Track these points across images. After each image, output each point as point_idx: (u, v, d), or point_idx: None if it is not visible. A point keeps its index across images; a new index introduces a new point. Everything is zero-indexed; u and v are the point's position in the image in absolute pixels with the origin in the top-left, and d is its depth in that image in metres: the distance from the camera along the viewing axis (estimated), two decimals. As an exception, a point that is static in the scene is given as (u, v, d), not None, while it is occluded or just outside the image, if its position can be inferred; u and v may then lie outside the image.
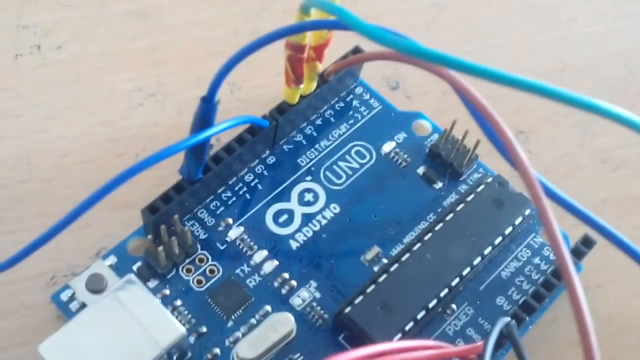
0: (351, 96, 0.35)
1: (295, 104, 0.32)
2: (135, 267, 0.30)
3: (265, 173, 0.32)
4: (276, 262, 0.30)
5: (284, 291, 0.30)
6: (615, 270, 0.32)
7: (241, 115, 0.29)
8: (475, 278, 0.31)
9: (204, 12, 0.38)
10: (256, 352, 0.28)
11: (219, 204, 0.32)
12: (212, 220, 0.31)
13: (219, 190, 0.32)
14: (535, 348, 0.30)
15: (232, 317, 0.29)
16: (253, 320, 0.29)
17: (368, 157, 0.33)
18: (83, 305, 0.28)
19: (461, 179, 0.33)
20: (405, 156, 0.33)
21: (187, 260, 0.30)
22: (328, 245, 0.31)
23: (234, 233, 0.31)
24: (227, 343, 0.29)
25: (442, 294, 0.29)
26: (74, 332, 0.26)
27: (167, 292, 0.29)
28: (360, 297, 0.29)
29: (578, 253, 0.30)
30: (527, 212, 0.31)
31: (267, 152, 0.33)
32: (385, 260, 0.31)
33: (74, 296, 0.29)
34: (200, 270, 0.30)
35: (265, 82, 0.36)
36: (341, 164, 0.33)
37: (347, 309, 0.28)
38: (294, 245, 0.31)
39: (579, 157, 0.36)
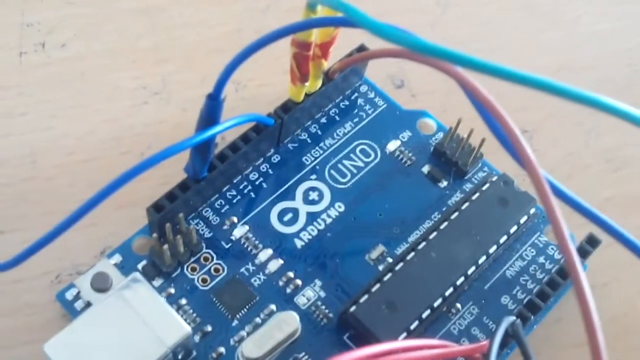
0: (356, 94, 0.35)
1: (300, 102, 0.32)
2: (140, 266, 0.30)
3: (270, 171, 0.32)
4: (281, 261, 0.30)
5: (288, 290, 0.30)
6: (621, 270, 0.33)
7: (246, 113, 0.29)
8: (480, 277, 0.31)
9: (208, 11, 0.38)
10: (261, 351, 0.28)
11: (223, 203, 0.31)
12: (217, 219, 0.31)
13: (224, 189, 0.32)
14: (540, 347, 0.30)
15: (237, 316, 0.29)
16: (258, 319, 0.29)
17: (373, 155, 0.33)
18: (88, 304, 0.28)
19: (466, 177, 0.33)
20: (410, 155, 0.33)
21: (192, 259, 0.30)
22: (333, 244, 0.31)
23: (238, 232, 0.31)
24: (232, 342, 0.29)
25: (447, 293, 0.29)
26: (79, 331, 0.26)
27: (172, 290, 0.29)
28: (365, 296, 0.29)
29: (583, 252, 0.30)
30: (532, 211, 0.31)
31: (272, 150, 0.33)
32: (390, 259, 0.31)
33: (79, 295, 0.29)
34: (205, 269, 0.30)
35: (270, 80, 0.36)
36: (346, 162, 0.33)
37: (352, 308, 0.28)
38: (298, 244, 0.31)
39: (583, 156, 0.36)
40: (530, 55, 0.38)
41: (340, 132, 0.34)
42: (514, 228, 0.31)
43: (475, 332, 0.30)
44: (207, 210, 0.31)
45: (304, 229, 0.31)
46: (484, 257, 0.30)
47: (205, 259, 0.30)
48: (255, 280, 0.30)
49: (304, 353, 0.29)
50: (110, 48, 0.37)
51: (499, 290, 0.31)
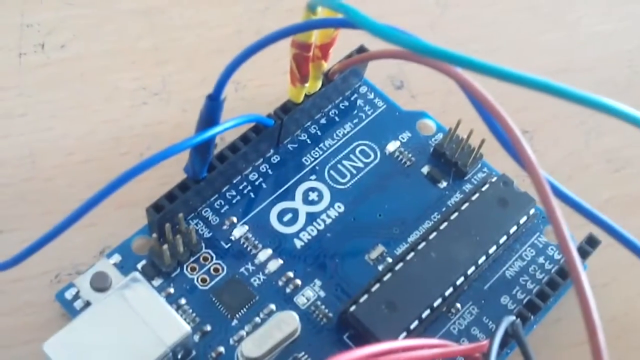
0: (356, 95, 0.35)
1: (300, 103, 0.32)
2: (139, 266, 0.30)
3: (270, 172, 0.32)
4: (280, 261, 0.30)
5: (288, 290, 0.30)
6: (620, 270, 0.33)
7: (246, 114, 0.29)
8: (480, 277, 0.31)
9: (208, 12, 0.38)
10: (261, 351, 0.28)
11: (223, 203, 0.31)
12: (216, 219, 0.31)
13: (224, 189, 0.32)
14: (539, 347, 0.30)
15: (237, 315, 0.29)
16: (257, 319, 0.29)
17: (372, 156, 0.33)
18: (87, 304, 0.28)
19: (466, 178, 0.33)
20: (410, 155, 0.33)
21: (192, 259, 0.30)
22: (332, 244, 0.31)
23: (238, 232, 0.31)
24: (231, 342, 0.29)
25: (446, 293, 0.29)
26: (78, 330, 0.26)
27: (172, 290, 0.29)
28: (365, 296, 0.29)
29: (583, 252, 0.30)
30: (532, 211, 0.31)
31: (272, 151, 0.33)
32: (389, 260, 0.31)
33: (79, 294, 0.29)
34: (205, 269, 0.30)
35: (270, 81, 0.36)
36: (345, 163, 0.33)
37: (352, 308, 0.28)
38: (298, 244, 0.31)
39: (583, 156, 0.36)
40: (530, 57, 0.38)
41: (339, 132, 0.34)
42: (514, 228, 0.31)
43: (475, 332, 0.30)
44: (207, 211, 0.31)
45: (303, 229, 0.31)
46: (483, 257, 0.30)
47: (205, 259, 0.30)
48: (254, 280, 0.30)
49: (303, 353, 0.29)
50: (110, 49, 0.37)
51: (499, 290, 0.31)
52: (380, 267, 0.31)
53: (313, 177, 0.33)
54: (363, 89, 0.35)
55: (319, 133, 0.34)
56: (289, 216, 0.32)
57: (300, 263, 0.31)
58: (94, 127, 0.34)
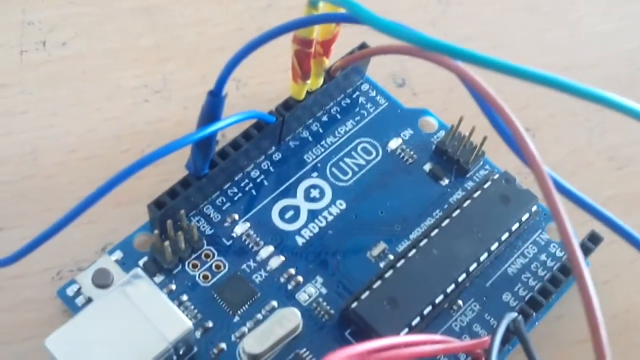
0: (357, 93, 0.35)
1: (301, 99, 0.32)
2: (141, 262, 0.30)
3: (271, 169, 0.32)
4: (282, 258, 0.30)
5: (290, 287, 0.30)
6: (622, 268, 0.33)
7: (248, 110, 0.29)
8: (482, 274, 0.31)
9: (209, 9, 0.38)
10: (262, 347, 0.28)
11: (225, 200, 0.31)
12: (218, 216, 0.31)
13: (225, 186, 0.32)
14: (541, 344, 0.30)
15: (238, 312, 0.29)
16: (259, 316, 0.29)
17: (374, 153, 0.33)
18: (89, 300, 0.28)
19: (467, 175, 0.33)
20: (412, 153, 0.33)
21: (193, 256, 0.30)
22: (334, 241, 0.31)
23: (239, 229, 0.31)
24: (233, 338, 0.29)
25: (448, 290, 0.29)
26: (80, 326, 0.26)
27: (173, 287, 0.29)
28: (367, 293, 0.29)
29: (585, 249, 0.30)
30: (534, 208, 0.31)
31: (273, 148, 0.33)
32: (391, 257, 0.31)
33: (80, 291, 0.29)
34: (206, 266, 0.30)
35: (271, 78, 0.36)
36: (347, 160, 0.33)
37: (354, 304, 0.28)
38: (300, 241, 0.31)
39: (586, 154, 0.36)
40: (531, 55, 0.38)
41: (341, 130, 0.34)
42: (516, 225, 0.31)
43: (476, 328, 0.30)
44: (208, 207, 0.31)
45: (305, 226, 0.31)
46: (485, 254, 0.30)
47: (207, 256, 0.30)
48: (256, 277, 0.30)
49: (305, 349, 0.29)
50: (111, 47, 0.37)
51: (501, 287, 0.31)
52: (381, 264, 0.31)
53: (315, 174, 0.33)
54: (365, 87, 0.35)
55: (320, 130, 0.34)
56: (290, 213, 0.32)
57: (301, 260, 0.31)
58: (95, 124, 0.34)
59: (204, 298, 0.29)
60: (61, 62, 0.36)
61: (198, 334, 0.28)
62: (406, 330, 0.28)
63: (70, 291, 0.29)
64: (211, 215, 0.31)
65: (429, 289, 0.29)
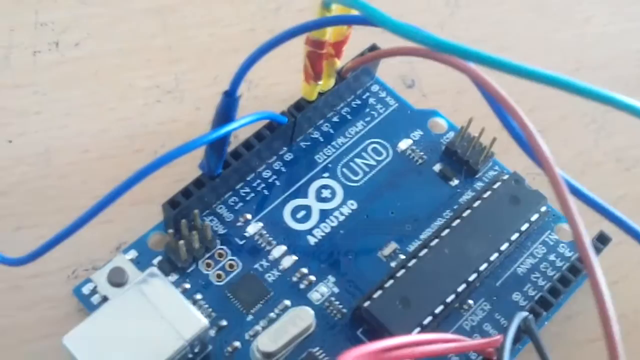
0: (367, 94, 0.35)
1: (313, 100, 0.32)
2: (155, 262, 0.30)
3: (283, 169, 0.33)
4: (295, 258, 0.31)
5: (302, 286, 0.30)
6: (631, 268, 0.33)
7: (261, 111, 0.29)
8: (492, 274, 0.31)
9: (221, 10, 0.38)
10: (276, 346, 0.28)
11: (237, 200, 0.32)
12: (230, 216, 0.31)
13: (238, 187, 0.32)
14: (551, 344, 0.30)
15: (252, 311, 0.29)
16: (272, 315, 0.29)
17: (384, 154, 0.34)
18: (104, 299, 0.28)
19: (477, 176, 0.33)
20: (422, 153, 0.34)
21: (207, 255, 0.30)
22: (345, 241, 0.31)
23: (252, 228, 0.31)
24: (247, 336, 0.29)
25: (459, 289, 0.29)
26: (98, 324, 0.26)
27: (188, 286, 0.30)
28: (379, 292, 0.29)
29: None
30: (543, 209, 0.31)
31: (285, 148, 0.33)
32: (402, 256, 0.31)
33: (96, 289, 0.29)
34: (220, 265, 0.30)
35: (282, 79, 0.36)
36: (358, 160, 0.33)
37: (366, 304, 0.29)
38: (312, 240, 0.31)
39: (593, 156, 0.36)
40: (540, 56, 0.39)
41: (352, 131, 0.34)
42: (525, 226, 0.31)
43: (487, 328, 0.30)
44: (221, 207, 0.32)
45: (317, 226, 0.32)
46: (495, 254, 0.30)
47: (220, 255, 0.30)
48: (269, 276, 0.30)
49: (318, 348, 0.29)
50: (124, 47, 0.37)
51: (510, 287, 0.31)
52: (392, 264, 0.31)
53: (326, 174, 0.33)
54: (375, 88, 0.35)
55: (331, 131, 0.34)
56: (302, 213, 0.32)
57: (314, 259, 0.31)
58: (108, 125, 0.35)
59: (218, 297, 0.30)
60: (74, 63, 0.36)
61: (212, 332, 0.29)
62: (418, 329, 0.28)
63: (86, 290, 0.29)
64: (224, 215, 0.31)
65: (440, 289, 0.29)
